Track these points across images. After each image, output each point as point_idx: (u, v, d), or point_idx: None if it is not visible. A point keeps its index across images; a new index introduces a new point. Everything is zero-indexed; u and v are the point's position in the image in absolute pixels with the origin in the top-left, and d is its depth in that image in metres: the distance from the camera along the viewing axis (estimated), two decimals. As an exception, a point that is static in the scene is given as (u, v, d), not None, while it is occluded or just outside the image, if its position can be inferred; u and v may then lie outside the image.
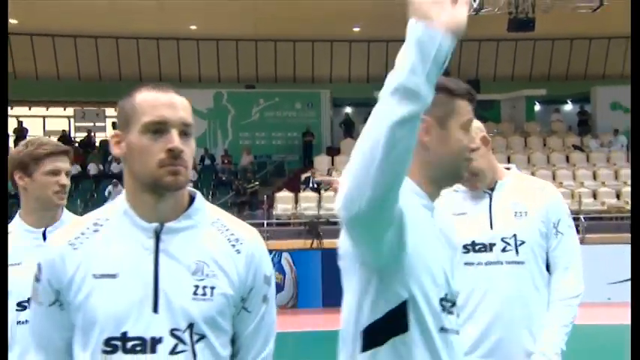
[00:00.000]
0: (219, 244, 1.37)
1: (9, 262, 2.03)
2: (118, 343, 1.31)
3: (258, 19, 17.03)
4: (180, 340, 1.31)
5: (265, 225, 12.21)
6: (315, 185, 14.65)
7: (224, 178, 16.56)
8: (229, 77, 19.64)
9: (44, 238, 2.07)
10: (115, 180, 14.20)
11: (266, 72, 19.79)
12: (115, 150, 1.37)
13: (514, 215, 2.17)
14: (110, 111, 19.71)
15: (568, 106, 19.87)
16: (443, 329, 1.40)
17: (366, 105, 19.78)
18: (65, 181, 2.11)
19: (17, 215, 2.13)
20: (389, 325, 1.36)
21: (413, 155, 1.29)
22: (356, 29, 18.58)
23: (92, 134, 18.62)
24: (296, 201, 13.99)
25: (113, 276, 1.32)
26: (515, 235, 2.15)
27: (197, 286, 1.32)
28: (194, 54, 19.55)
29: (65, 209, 2.19)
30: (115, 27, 17.64)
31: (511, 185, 2.25)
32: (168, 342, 1.31)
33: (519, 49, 19.86)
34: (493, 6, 13.72)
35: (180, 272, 1.33)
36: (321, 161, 16.39)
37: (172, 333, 1.31)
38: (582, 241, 11.24)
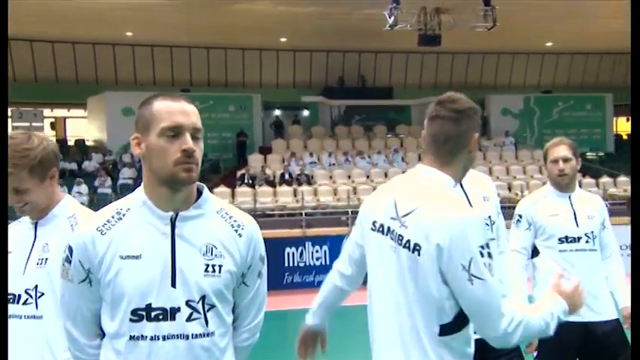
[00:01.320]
0: (224, 229, 1.53)
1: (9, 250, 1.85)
2: (143, 312, 1.46)
3: (192, 27, 17.44)
4: (195, 310, 1.48)
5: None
6: (250, 181, 15.42)
7: (163, 175, 16.81)
8: (164, 81, 19.86)
9: (35, 230, 1.87)
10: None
11: (199, 77, 20.17)
12: (136, 150, 1.51)
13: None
14: (47, 112, 19.41)
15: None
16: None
17: (293, 108, 20.75)
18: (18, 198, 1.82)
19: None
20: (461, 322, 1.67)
21: (457, 160, 1.76)
22: (283, 39, 19.37)
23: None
24: (233, 196, 14.56)
25: (137, 257, 1.47)
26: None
27: (207, 265, 1.49)
28: (130, 59, 19.63)
29: (67, 197, 1.93)
30: (51, 31, 17.45)
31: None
32: (185, 311, 1.47)
33: (425, 61, 21.52)
34: (406, 23, 14.95)
35: (193, 253, 1.49)
36: (255, 159, 17.05)
37: (188, 304, 1.47)
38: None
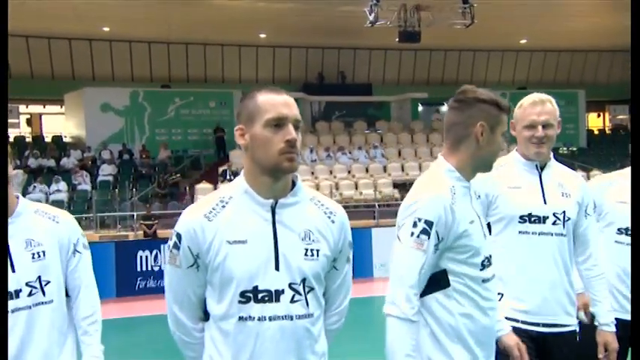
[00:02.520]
0: (318, 216, 1.61)
1: None
2: (251, 295, 1.53)
3: (170, 23, 17.25)
4: (297, 292, 1.55)
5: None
6: (232, 177, 15.38)
7: (144, 172, 16.65)
8: (143, 77, 19.63)
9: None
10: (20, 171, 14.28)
11: (178, 73, 19.99)
12: (240, 141, 1.58)
13: (561, 195, 2.28)
14: (22, 108, 19.00)
15: (445, 107, 21.99)
16: (484, 280, 1.79)
17: (272, 105, 20.63)
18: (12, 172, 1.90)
19: None
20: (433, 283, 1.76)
21: (462, 148, 1.79)
22: (262, 36, 19.31)
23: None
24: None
25: (244, 242, 1.54)
26: (564, 212, 2.26)
27: (306, 249, 1.57)
28: (107, 54, 19.34)
29: (22, 198, 1.98)
30: (25, 26, 17.06)
31: (555, 168, 2.35)
32: (288, 293, 1.54)
33: (403, 58, 21.71)
34: (386, 20, 15.07)
35: (293, 238, 1.56)
36: (237, 155, 16.96)
37: (290, 286, 1.55)
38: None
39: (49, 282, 1.95)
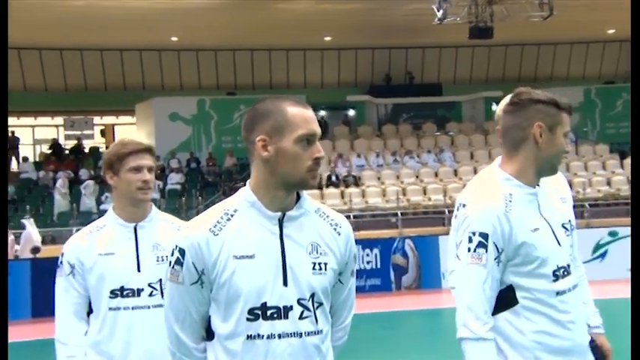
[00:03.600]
0: (324, 228, 1.57)
1: (103, 252, 2.11)
2: (259, 312, 1.48)
3: (235, 30, 17.38)
4: (306, 308, 1.51)
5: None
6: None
7: (210, 180, 16.84)
8: (209, 85, 19.92)
9: (135, 232, 2.14)
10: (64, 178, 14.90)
11: (244, 80, 20.13)
12: (263, 152, 1.50)
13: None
14: (97, 119, 19.82)
15: (521, 106, 20.79)
16: (558, 293, 1.66)
17: (338, 108, 20.39)
18: (148, 176, 2.12)
19: (111, 209, 2.20)
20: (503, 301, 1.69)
21: (521, 153, 1.69)
22: (327, 38, 19.06)
23: (81, 142, 18.68)
24: (279, 198, 14.44)
25: (251, 257, 1.49)
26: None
27: (314, 263, 1.52)
28: (175, 64, 19.79)
29: (154, 207, 2.21)
30: (99, 40, 17.77)
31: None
32: (297, 309, 1.50)
33: (476, 55, 20.73)
34: (455, 16, 14.38)
35: (301, 252, 1.52)
36: (301, 161, 16.85)
37: (299, 302, 1.50)
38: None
39: None
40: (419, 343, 6.30)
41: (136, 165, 2.11)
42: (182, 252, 1.52)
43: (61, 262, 2.16)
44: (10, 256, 10.26)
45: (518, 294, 1.68)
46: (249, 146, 1.53)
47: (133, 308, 2.08)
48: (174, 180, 16.52)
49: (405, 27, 17.40)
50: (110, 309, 2.09)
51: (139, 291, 2.09)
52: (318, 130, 1.53)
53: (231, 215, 1.52)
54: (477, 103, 19.87)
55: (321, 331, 1.53)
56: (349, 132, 18.55)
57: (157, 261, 2.13)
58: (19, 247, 10.36)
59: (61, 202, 14.55)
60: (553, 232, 1.74)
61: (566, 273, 1.72)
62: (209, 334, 1.54)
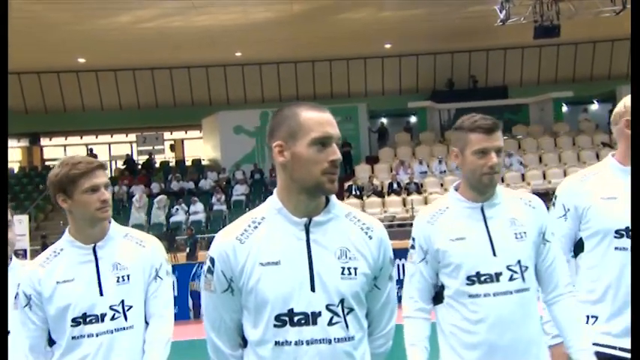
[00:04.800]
0: (355, 232, 1.54)
1: (62, 279, 1.97)
2: (286, 318, 1.47)
3: (296, 43, 17.65)
4: (335, 314, 1.48)
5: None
6: (358, 192, 15.09)
7: (273, 191, 17.07)
8: (272, 98, 20.31)
9: (94, 253, 2.00)
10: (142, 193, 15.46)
11: (305, 91, 20.36)
12: (279, 158, 1.50)
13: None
14: (167, 134, 20.70)
15: (594, 106, 19.78)
16: (471, 295, 1.88)
17: (399, 115, 20.17)
18: (106, 195, 1.98)
19: (67, 231, 2.04)
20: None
21: (462, 172, 1.97)
22: (387, 46, 18.94)
23: (153, 156, 19.54)
24: (341, 207, 14.42)
25: (277, 263, 1.48)
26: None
27: (343, 268, 1.50)
28: (239, 78, 20.34)
29: (113, 221, 2.07)
30: (168, 58, 18.59)
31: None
32: (326, 315, 1.47)
33: (544, 55, 19.89)
34: (519, 16, 13.87)
35: (329, 257, 1.50)
36: (362, 170, 16.74)
37: (328, 308, 1.47)
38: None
39: (131, 307, 1.99)
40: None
41: (92, 185, 1.96)
42: (212, 261, 1.53)
43: (17, 294, 2.02)
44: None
45: (445, 292, 1.95)
46: (270, 153, 1.54)
47: (97, 335, 1.94)
48: (239, 191, 16.90)
49: (467, 30, 16.99)
50: (73, 338, 1.94)
51: (103, 316, 1.95)
52: (334, 132, 1.49)
53: (259, 223, 1.53)
54: (545, 104, 19.03)
55: (353, 337, 1.49)
56: (411, 139, 18.28)
57: (118, 282, 1.99)
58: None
59: (135, 214, 15.23)
60: (491, 243, 1.90)
61: (489, 280, 1.88)
62: (245, 341, 1.54)
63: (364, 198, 14.67)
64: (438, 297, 1.98)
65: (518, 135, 17.86)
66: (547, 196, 12.49)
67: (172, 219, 15.18)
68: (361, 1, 15.25)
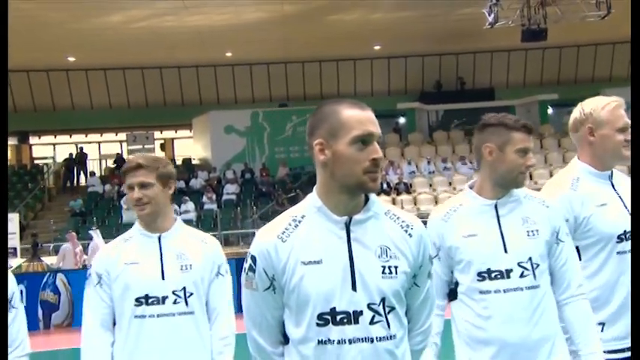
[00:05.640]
0: (395, 230, 1.53)
1: (129, 261, 2.15)
2: (329, 317, 1.47)
3: (287, 43, 17.68)
4: (376, 312, 1.47)
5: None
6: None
7: (264, 190, 17.13)
8: (262, 98, 20.33)
9: (159, 242, 2.19)
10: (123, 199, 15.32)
11: (295, 91, 20.41)
12: (320, 156, 1.49)
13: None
14: (157, 134, 20.62)
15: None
16: (482, 292, 1.91)
17: (388, 116, 20.30)
18: (136, 194, 2.15)
19: (137, 222, 2.25)
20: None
21: (481, 170, 1.98)
22: (377, 47, 19.05)
23: (143, 156, 19.44)
24: (331, 207, 14.49)
25: (318, 262, 1.48)
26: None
27: (384, 267, 1.49)
28: (230, 78, 20.33)
29: (179, 218, 2.28)
30: (159, 58, 18.52)
31: (618, 177, 2.24)
32: (367, 314, 1.47)
33: (529, 58, 20.16)
34: (507, 19, 14.04)
35: (369, 256, 1.49)
36: (352, 170, 16.85)
37: (369, 307, 1.47)
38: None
39: (192, 294, 2.14)
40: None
41: (128, 184, 2.18)
42: (254, 259, 1.53)
43: (89, 274, 2.21)
44: (79, 266, 10.81)
45: (458, 288, 1.98)
46: (310, 151, 1.53)
47: (158, 316, 2.09)
48: (230, 190, 16.91)
49: (455, 33, 17.16)
50: (135, 317, 2.11)
51: (164, 299, 2.10)
52: (375, 130, 1.48)
53: (299, 221, 1.52)
54: (531, 106, 19.30)
55: (394, 336, 1.49)
56: (400, 139, 18.44)
57: (182, 269, 2.14)
58: (87, 257, 10.88)
59: (127, 213, 15.18)
60: (502, 240, 1.93)
61: (499, 276, 1.90)
62: (286, 339, 1.54)
63: (354, 198, 14.78)
64: (452, 294, 2.00)
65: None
66: (534, 197, 12.50)
67: (163, 217, 15.13)
68: (351, 3, 15.34)
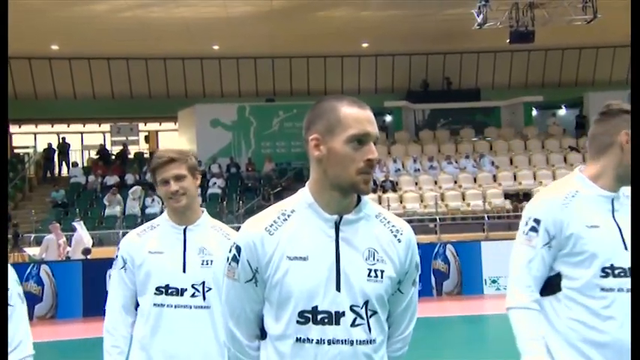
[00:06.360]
0: (384, 234, 1.50)
1: (153, 250, 2.20)
2: (310, 315, 1.44)
3: (274, 38, 17.58)
4: (358, 315, 1.45)
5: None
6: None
7: (249, 185, 17.03)
8: (249, 92, 20.20)
9: (184, 235, 2.22)
10: (113, 188, 15.27)
11: (282, 86, 20.32)
12: (314, 152, 1.47)
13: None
14: (141, 125, 20.35)
15: (562, 111, 20.38)
16: (603, 289, 1.72)
17: (375, 114, 20.15)
18: (174, 187, 2.17)
19: (165, 211, 2.29)
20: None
21: (604, 158, 1.79)
22: (364, 45, 19.06)
23: (127, 147, 19.20)
24: (317, 203, 14.48)
25: (304, 258, 1.45)
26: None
27: (370, 270, 1.46)
28: (216, 71, 20.14)
29: (205, 211, 2.28)
30: (144, 49, 18.26)
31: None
32: (349, 316, 1.44)
33: (515, 60, 20.36)
34: (496, 20, 14.15)
35: (356, 257, 1.46)
36: (338, 167, 16.85)
37: (352, 308, 1.44)
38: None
39: (210, 289, 2.17)
40: (459, 348, 6.24)
41: (162, 178, 2.19)
42: (238, 249, 1.50)
43: (116, 257, 2.26)
44: (62, 257, 10.61)
45: (564, 282, 1.77)
46: (305, 146, 1.49)
47: (175, 306, 2.15)
48: (215, 185, 16.78)
49: (444, 33, 17.24)
50: (155, 305, 2.16)
51: (183, 291, 2.15)
52: (372, 130, 1.46)
53: (288, 215, 1.49)
54: (516, 108, 19.49)
55: (374, 340, 1.46)
56: (386, 137, 18.49)
57: (202, 264, 2.19)
58: (71, 248, 10.70)
59: (130, 204, 15.08)
60: (621, 236, 1.76)
61: (622, 274, 1.73)
62: (263, 333, 1.52)
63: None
64: (550, 287, 1.78)
65: (489, 137, 18.26)
66: (517, 197, 12.94)
67: (147, 210, 14.97)
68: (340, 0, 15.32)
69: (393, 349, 1.57)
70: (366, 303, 1.45)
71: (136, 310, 2.23)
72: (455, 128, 18.92)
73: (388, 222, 1.52)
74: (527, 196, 14.70)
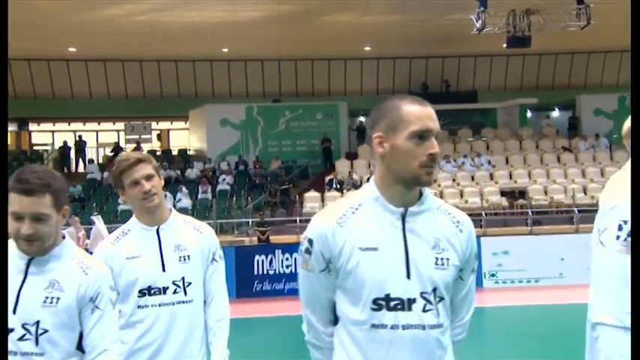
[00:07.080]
0: (447, 224, 1.54)
1: (130, 255, 2.15)
2: (383, 302, 1.47)
3: (281, 42, 17.70)
4: (428, 301, 1.48)
5: (298, 221, 12.89)
6: (338, 186, 15.31)
7: (257, 181, 17.17)
8: (256, 93, 20.33)
9: (158, 235, 2.18)
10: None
11: (288, 88, 20.45)
12: (379, 148, 1.51)
13: None
14: (154, 124, 20.50)
15: (555, 113, 20.48)
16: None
17: (377, 115, 20.37)
18: (147, 186, 2.12)
19: (134, 215, 2.23)
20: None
21: None
22: (367, 48, 19.16)
23: (140, 145, 19.36)
24: (322, 200, 14.60)
25: (375, 249, 1.48)
26: None
27: (437, 258, 1.50)
28: (225, 73, 20.27)
29: (174, 209, 2.26)
30: (157, 51, 18.39)
31: None
32: (420, 302, 1.47)
33: (510, 64, 20.46)
34: (494, 26, 14.24)
35: (423, 247, 1.50)
36: (342, 165, 16.95)
37: (422, 295, 1.48)
38: (576, 231, 11.77)
39: (190, 283, 2.17)
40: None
41: (132, 180, 2.13)
42: (310, 242, 1.53)
43: None
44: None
45: None
46: (370, 143, 1.54)
47: (159, 305, 2.14)
48: (225, 181, 16.93)
49: (443, 37, 17.34)
50: (139, 307, 2.14)
51: (165, 289, 2.14)
52: (433, 126, 1.49)
53: (356, 209, 1.52)
54: (512, 109, 19.60)
55: (442, 324, 1.50)
56: (387, 137, 18.56)
57: (180, 260, 2.17)
58: (90, 241, 10.85)
59: (123, 203, 15.13)
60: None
61: None
62: (336, 319, 1.55)
63: (344, 191, 14.90)
64: None
65: (486, 137, 18.37)
66: (513, 195, 13.07)
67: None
68: (344, 5, 15.41)
69: (454, 334, 1.60)
70: (434, 290, 1.48)
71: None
72: (453, 129, 19.03)
73: (449, 214, 1.56)
74: (522, 193, 14.85)
